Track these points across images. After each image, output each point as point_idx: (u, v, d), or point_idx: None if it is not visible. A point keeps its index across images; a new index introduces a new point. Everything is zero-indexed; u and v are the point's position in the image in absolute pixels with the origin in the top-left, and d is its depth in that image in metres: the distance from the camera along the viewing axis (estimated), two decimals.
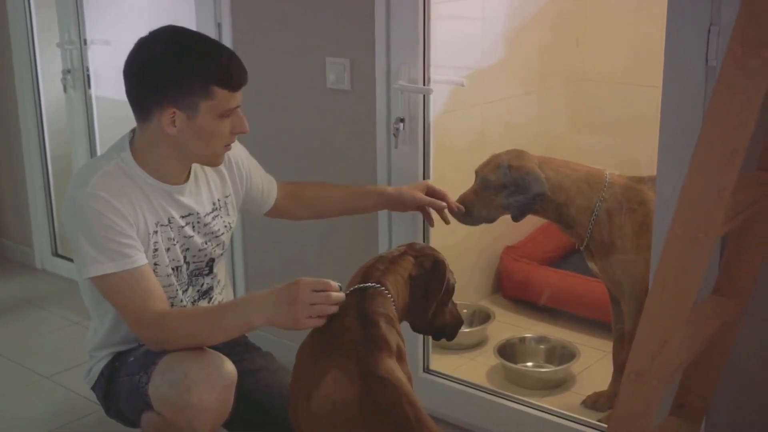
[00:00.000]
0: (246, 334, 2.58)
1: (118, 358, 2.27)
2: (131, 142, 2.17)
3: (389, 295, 1.97)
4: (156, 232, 2.15)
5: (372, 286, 1.96)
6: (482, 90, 3.59)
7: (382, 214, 2.86)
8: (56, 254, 4.30)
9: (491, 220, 2.75)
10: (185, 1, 3.25)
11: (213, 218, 2.29)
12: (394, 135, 2.71)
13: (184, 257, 2.25)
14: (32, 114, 4.13)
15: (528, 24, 3.75)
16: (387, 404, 1.76)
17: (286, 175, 3.11)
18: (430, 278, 2.07)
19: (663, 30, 2.16)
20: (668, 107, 2.18)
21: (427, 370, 2.93)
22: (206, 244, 2.28)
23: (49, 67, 4.06)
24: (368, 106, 2.79)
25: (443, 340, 3.30)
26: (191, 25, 3.14)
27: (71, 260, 4.19)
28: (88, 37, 3.83)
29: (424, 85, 2.68)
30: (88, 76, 3.86)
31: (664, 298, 1.69)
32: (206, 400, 2.01)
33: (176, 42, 2.09)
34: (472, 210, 2.70)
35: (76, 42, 3.84)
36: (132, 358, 2.22)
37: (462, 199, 2.72)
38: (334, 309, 1.93)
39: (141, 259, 2.09)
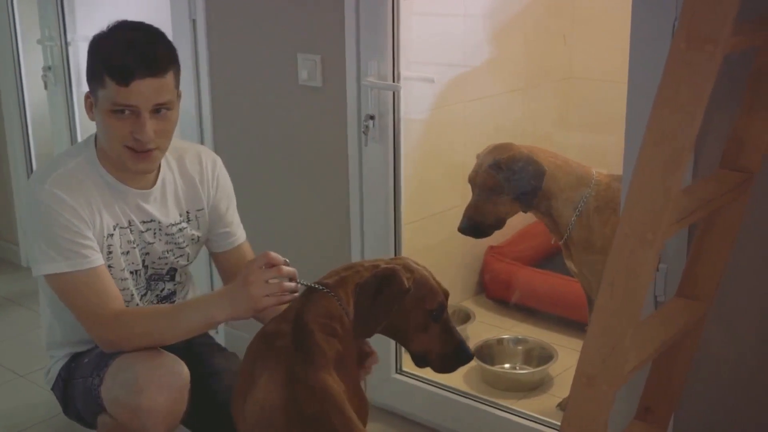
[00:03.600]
0: (212, 334, 2.56)
1: (74, 360, 2.24)
2: (96, 138, 2.14)
3: (338, 301, 1.86)
4: (112, 235, 2.11)
5: (320, 290, 1.87)
6: (467, 88, 3.55)
7: (354, 213, 2.83)
8: None
9: (501, 225, 2.72)
10: None
11: (179, 230, 2.22)
12: (364, 132, 2.68)
13: (143, 261, 2.21)
14: (16, 111, 4.11)
15: (514, 21, 3.70)
16: (312, 413, 1.71)
17: (258, 173, 3.09)
18: (375, 292, 1.86)
19: None
20: (634, 103, 2.15)
21: (399, 371, 2.89)
22: (167, 253, 2.23)
23: (33, 64, 4.04)
24: (339, 103, 2.76)
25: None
26: (166, 21, 3.12)
27: None
28: (70, 34, 3.81)
29: (393, 81, 2.64)
30: (70, 72, 3.84)
31: (613, 300, 1.64)
32: (157, 403, 1.98)
33: (108, 29, 2.05)
34: (481, 222, 2.68)
35: (57, 38, 3.82)
36: (86, 360, 2.19)
37: (467, 215, 2.70)
38: (288, 287, 1.90)
39: (97, 260, 2.05)
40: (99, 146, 2.12)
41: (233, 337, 3.19)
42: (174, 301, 2.32)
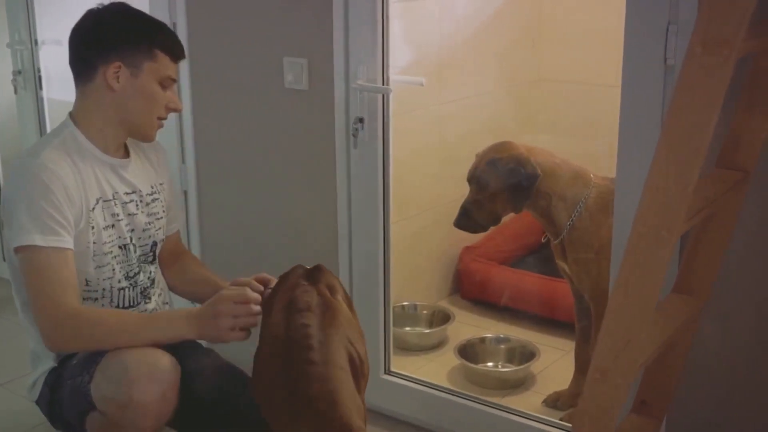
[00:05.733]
0: None
1: (61, 365, 2.21)
2: (72, 117, 2.21)
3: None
4: (93, 209, 2.15)
5: None
6: (440, 90, 3.59)
7: (342, 215, 2.84)
8: None
9: (496, 222, 2.78)
10: (140, 0, 3.20)
11: (153, 199, 2.32)
12: (353, 135, 2.70)
13: (130, 237, 2.25)
14: None
15: (485, 25, 3.75)
16: (306, 304, 1.90)
17: (243, 177, 3.08)
18: None
19: (619, 29, 2.18)
20: (627, 106, 2.19)
21: (388, 371, 2.91)
22: (149, 225, 2.30)
23: (0, 67, 3.98)
24: (327, 107, 2.77)
25: (407, 342, 3.36)
26: None
27: None
28: (40, 38, 3.76)
29: (383, 84, 2.66)
30: (40, 77, 3.79)
31: (627, 297, 1.69)
32: (148, 396, 1.98)
33: (125, 9, 2.23)
34: (477, 218, 2.73)
35: (27, 42, 3.76)
36: (75, 362, 2.17)
37: (464, 209, 2.74)
38: (254, 321, 1.98)
39: (68, 243, 2.07)
40: (77, 119, 2.20)
41: None
42: (150, 296, 2.32)
